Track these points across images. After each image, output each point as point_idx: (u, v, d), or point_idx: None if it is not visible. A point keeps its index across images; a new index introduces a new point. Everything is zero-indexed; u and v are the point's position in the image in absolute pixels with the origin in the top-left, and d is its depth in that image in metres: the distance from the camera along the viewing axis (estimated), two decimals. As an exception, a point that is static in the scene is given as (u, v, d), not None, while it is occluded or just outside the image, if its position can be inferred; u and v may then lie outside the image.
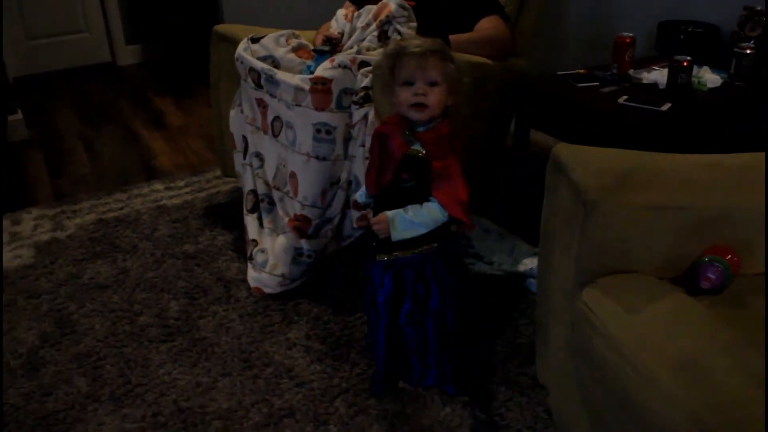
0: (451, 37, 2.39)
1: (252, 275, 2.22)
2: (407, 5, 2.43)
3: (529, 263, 2.21)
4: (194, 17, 4.34)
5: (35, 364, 1.99)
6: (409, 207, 1.63)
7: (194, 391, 1.85)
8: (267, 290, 2.18)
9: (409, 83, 1.60)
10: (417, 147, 1.64)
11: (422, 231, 1.64)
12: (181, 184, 3.01)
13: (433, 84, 1.60)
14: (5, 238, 2.68)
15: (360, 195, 1.90)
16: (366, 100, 2.11)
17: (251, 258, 2.24)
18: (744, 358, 1.18)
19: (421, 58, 1.58)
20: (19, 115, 3.62)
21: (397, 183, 1.66)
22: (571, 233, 1.44)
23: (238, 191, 2.81)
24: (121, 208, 2.81)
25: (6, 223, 2.78)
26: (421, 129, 1.65)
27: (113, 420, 1.78)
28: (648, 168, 1.49)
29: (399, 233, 1.64)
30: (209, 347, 2.00)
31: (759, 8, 2.36)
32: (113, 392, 1.87)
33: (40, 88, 4.43)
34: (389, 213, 1.64)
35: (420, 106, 1.60)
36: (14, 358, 2.02)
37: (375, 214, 1.71)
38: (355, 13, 2.52)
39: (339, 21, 2.54)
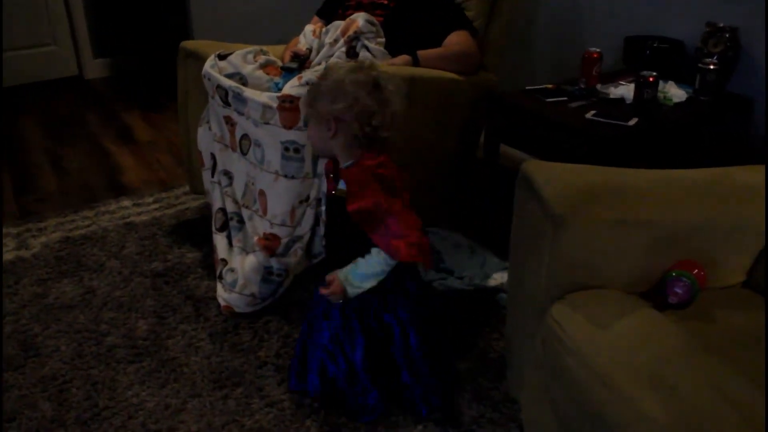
0: (420, 53, 2.41)
1: (222, 294, 2.19)
2: (375, 21, 2.44)
3: (500, 277, 2.22)
4: (163, 31, 4.31)
5: (3, 388, 1.94)
6: (358, 260, 1.62)
7: (163, 413, 1.82)
8: (237, 309, 2.16)
9: None
10: (341, 187, 1.63)
11: (380, 278, 1.63)
12: (150, 200, 2.97)
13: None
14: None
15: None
16: (335, 117, 2.10)
17: (221, 277, 2.21)
18: (713, 373, 1.19)
19: None
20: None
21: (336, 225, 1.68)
22: (540, 249, 1.45)
23: (207, 207, 2.77)
24: (88, 226, 2.76)
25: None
26: (343, 166, 1.65)
27: (80, 445, 1.75)
28: (615, 183, 1.51)
29: (355, 289, 1.64)
30: (178, 367, 1.97)
31: (721, 24, 2.40)
32: (79, 416, 1.83)
33: (6, 102, 4.36)
34: (340, 273, 1.63)
35: None
36: (-25, 383, 1.97)
37: (328, 259, 1.75)
38: (323, 29, 2.52)
39: (307, 37, 2.55)
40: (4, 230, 2.76)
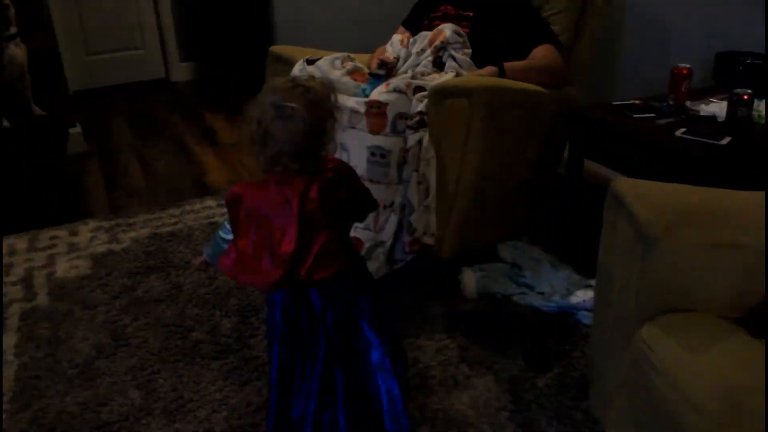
0: (506, 64, 2.41)
1: (303, 296, 2.23)
2: (462, 32, 2.46)
3: (582, 295, 2.19)
4: (248, 36, 4.42)
5: (91, 375, 2.03)
6: None
7: (245, 410, 1.87)
8: (319, 311, 2.20)
9: None
10: None
11: None
12: (234, 201, 3.05)
13: None
14: (63, 248, 2.75)
15: None
16: (421, 125, 2.13)
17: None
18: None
19: None
20: (78, 129, 3.72)
21: None
22: (630, 269, 1.44)
23: (289, 210, 2.85)
24: (175, 223, 2.87)
25: (64, 233, 2.86)
26: None
27: (166, 434, 1.81)
28: (710, 204, 1.48)
29: None
30: (261, 366, 2.02)
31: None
32: (166, 407, 1.90)
33: (98, 102, 4.55)
34: None
35: None
36: (71, 367, 2.07)
37: None
38: (411, 39, 2.55)
39: (394, 46, 2.58)
40: (97, 224, 2.89)
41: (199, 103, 4.53)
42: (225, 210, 2.91)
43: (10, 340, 2.22)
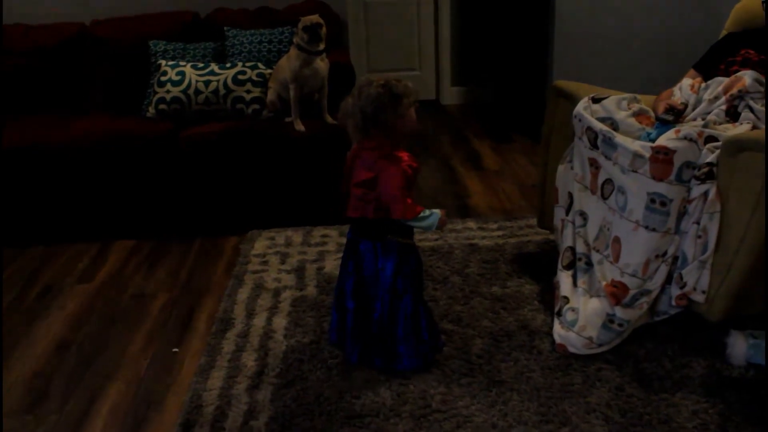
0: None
1: (558, 331, 2.23)
2: (764, 80, 2.30)
3: None
4: (522, 67, 4.50)
5: (348, 368, 2.19)
6: None
7: (489, 431, 1.91)
8: (571, 349, 2.18)
9: None
10: None
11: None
12: (494, 226, 3.13)
13: None
14: (332, 246, 2.99)
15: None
16: (708, 176, 2.03)
17: (559, 314, 2.25)
18: None
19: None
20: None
21: None
22: None
23: (549, 243, 2.85)
24: (436, 240, 2.99)
25: (334, 233, 3.13)
26: None
27: (411, 438, 1.90)
28: None
29: None
30: (508, 392, 2.05)
31: None
32: (413, 412, 1.99)
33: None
34: None
35: None
36: (331, 357, 2.25)
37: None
38: (703, 84, 2.44)
39: (684, 90, 2.48)
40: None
41: (467, 127, 4.68)
42: (485, 233, 3.02)
43: (281, 322, 2.46)
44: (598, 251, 2.24)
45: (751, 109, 2.27)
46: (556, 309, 2.28)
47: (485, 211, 3.34)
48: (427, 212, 2.03)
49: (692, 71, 2.68)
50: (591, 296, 2.20)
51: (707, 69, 2.60)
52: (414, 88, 2.05)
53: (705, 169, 2.03)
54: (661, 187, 2.04)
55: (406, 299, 2.10)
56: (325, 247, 3.01)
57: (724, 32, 2.80)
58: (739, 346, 2.14)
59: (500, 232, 3.06)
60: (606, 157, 2.20)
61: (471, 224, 3.16)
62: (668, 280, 2.12)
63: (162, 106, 3.30)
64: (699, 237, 2.04)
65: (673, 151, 2.02)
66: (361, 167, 2.05)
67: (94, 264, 3.05)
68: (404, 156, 2.03)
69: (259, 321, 2.48)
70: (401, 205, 1.98)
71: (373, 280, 2.11)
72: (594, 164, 2.28)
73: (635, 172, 2.08)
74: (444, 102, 5.32)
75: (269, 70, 3.36)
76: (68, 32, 3.65)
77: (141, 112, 3.43)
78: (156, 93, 3.32)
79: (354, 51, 4.83)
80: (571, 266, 2.32)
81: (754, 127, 2.21)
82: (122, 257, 3.10)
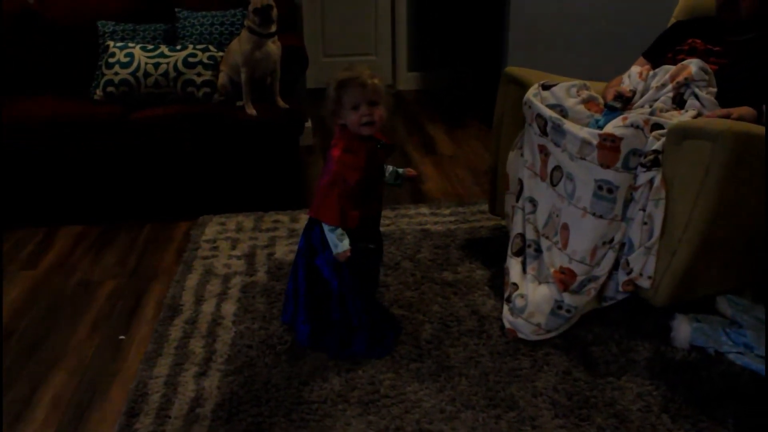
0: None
1: (507, 317, 2.24)
2: (709, 69, 2.33)
3: (810, 366, 2.00)
4: (476, 53, 4.51)
5: (297, 354, 2.18)
6: None
7: (437, 416, 1.91)
8: (521, 335, 2.20)
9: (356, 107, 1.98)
10: None
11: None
12: (447, 212, 3.13)
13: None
14: (284, 232, 2.97)
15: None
16: (654, 164, 2.05)
17: (509, 300, 2.27)
18: None
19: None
20: (309, 123, 3.99)
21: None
22: None
23: (500, 229, 2.87)
24: (388, 225, 2.98)
25: (286, 218, 3.10)
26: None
27: (359, 424, 1.89)
28: None
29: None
30: (456, 377, 2.06)
31: None
32: (362, 397, 1.99)
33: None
34: None
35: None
36: (280, 343, 2.23)
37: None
38: (650, 72, 2.47)
39: (632, 78, 2.50)
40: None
41: (422, 113, 4.68)
42: (438, 219, 3.03)
43: (230, 308, 2.44)
44: (547, 237, 2.26)
45: (697, 97, 2.30)
46: (506, 295, 2.30)
47: (438, 196, 3.34)
48: (338, 233, 1.99)
49: (641, 59, 2.71)
50: (540, 283, 2.22)
51: (655, 57, 2.63)
52: (374, 86, 1.98)
53: (651, 157, 2.06)
54: (609, 174, 2.06)
55: (334, 284, 2.12)
56: (276, 233, 2.98)
57: (672, 20, 2.83)
58: (683, 330, 2.18)
59: (453, 218, 3.07)
60: (555, 144, 2.21)
61: (424, 209, 3.16)
62: (615, 266, 2.15)
63: (110, 89, 3.22)
64: (645, 224, 2.07)
65: (620, 139, 2.04)
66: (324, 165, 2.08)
67: (39, 250, 2.97)
68: (347, 159, 1.99)
69: (207, 307, 2.44)
70: (317, 201, 2.00)
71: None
72: (543, 151, 2.29)
73: (583, 159, 2.10)
74: (400, 87, 5.30)
75: (220, 53, 3.30)
76: (13, 11, 3.53)
77: (89, 94, 3.34)
78: (104, 75, 3.24)
79: (308, 35, 4.79)
80: (520, 253, 2.34)
81: (699, 115, 2.24)
82: (69, 243, 3.02)
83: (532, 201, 2.34)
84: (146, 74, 3.19)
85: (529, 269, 2.28)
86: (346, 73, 1.99)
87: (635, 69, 2.54)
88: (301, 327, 2.21)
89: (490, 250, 2.74)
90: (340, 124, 2.04)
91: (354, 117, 1.98)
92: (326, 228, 2.00)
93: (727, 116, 2.12)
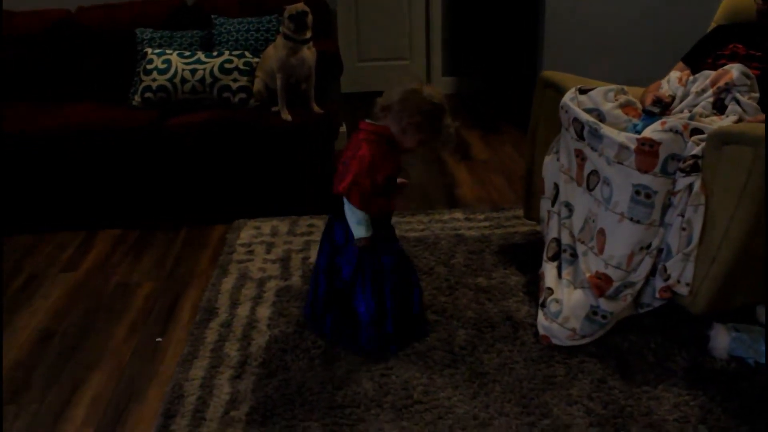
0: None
1: (542, 323, 2.22)
2: (751, 74, 2.29)
3: None
4: (512, 57, 4.48)
5: (330, 358, 2.19)
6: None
7: (470, 422, 1.91)
8: (555, 341, 2.18)
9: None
10: None
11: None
12: (481, 217, 3.12)
13: None
14: (318, 236, 2.97)
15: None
16: (694, 169, 2.02)
17: (543, 305, 2.25)
18: None
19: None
20: (344, 128, 4.00)
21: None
22: None
23: (535, 234, 2.85)
24: (422, 230, 2.99)
25: (320, 222, 3.08)
26: None
27: (392, 429, 1.90)
28: None
29: None
30: (490, 383, 2.05)
31: None
32: (395, 402, 1.99)
33: (363, 105, 4.85)
34: None
35: None
36: (314, 347, 2.24)
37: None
38: (690, 77, 2.43)
39: (671, 83, 2.47)
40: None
41: (456, 118, 4.64)
42: (472, 224, 3.02)
43: (264, 312, 2.45)
44: (583, 243, 2.23)
45: (738, 102, 2.26)
46: (541, 300, 2.28)
47: (472, 201, 3.33)
48: (365, 217, 2.07)
49: (681, 64, 2.67)
50: (575, 288, 2.20)
51: (695, 62, 2.59)
52: (448, 133, 2.19)
53: (690, 162, 2.03)
54: (646, 179, 2.03)
55: (346, 277, 2.20)
56: (311, 237, 3.00)
57: (713, 25, 2.79)
58: (722, 339, 2.14)
59: (487, 223, 3.05)
60: (592, 148, 2.19)
61: (458, 214, 3.15)
62: (652, 272, 2.12)
63: (148, 95, 3.27)
64: (683, 229, 2.03)
65: (659, 143, 2.02)
66: (349, 147, 2.12)
67: (78, 253, 3.03)
68: (379, 156, 2.07)
69: (242, 311, 2.47)
70: (349, 178, 2.03)
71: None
72: (580, 155, 2.27)
73: (621, 163, 2.07)
74: (435, 92, 5.29)
75: (256, 59, 3.34)
76: (52, 19, 3.61)
77: (127, 100, 3.39)
78: (142, 81, 3.29)
79: (343, 40, 4.79)
80: (556, 257, 2.32)
81: (740, 120, 2.20)
82: (107, 246, 3.08)
83: (568, 206, 2.32)
84: (183, 80, 3.24)
85: (564, 274, 2.26)
86: (446, 114, 2.18)
87: (674, 74, 2.51)
88: (321, 317, 2.30)
89: (525, 255, 2.72)
90: (385, 125, 2.12)
91: (415, 144, 2.13)
92: (351, 210, 2.06)
93: None
